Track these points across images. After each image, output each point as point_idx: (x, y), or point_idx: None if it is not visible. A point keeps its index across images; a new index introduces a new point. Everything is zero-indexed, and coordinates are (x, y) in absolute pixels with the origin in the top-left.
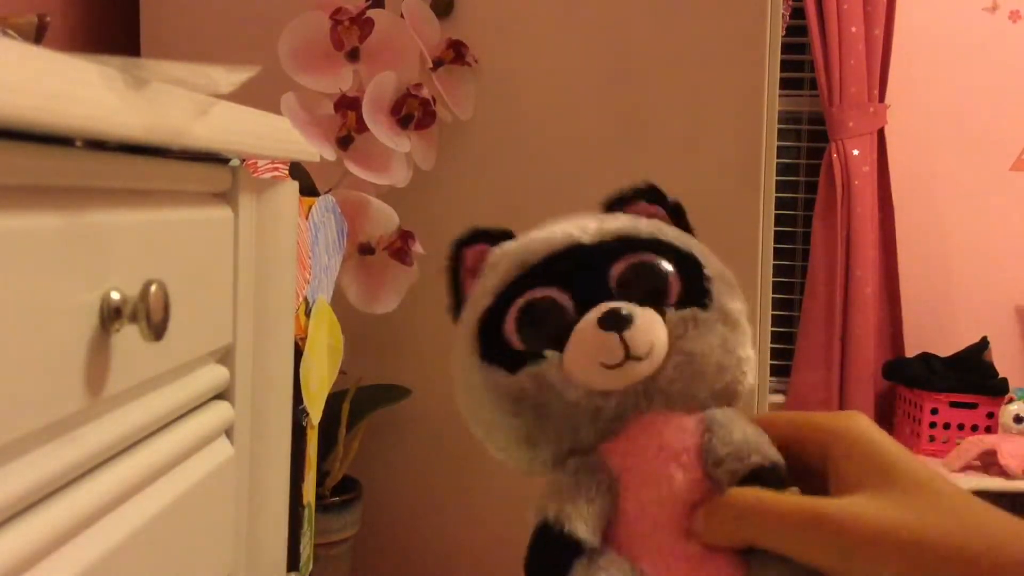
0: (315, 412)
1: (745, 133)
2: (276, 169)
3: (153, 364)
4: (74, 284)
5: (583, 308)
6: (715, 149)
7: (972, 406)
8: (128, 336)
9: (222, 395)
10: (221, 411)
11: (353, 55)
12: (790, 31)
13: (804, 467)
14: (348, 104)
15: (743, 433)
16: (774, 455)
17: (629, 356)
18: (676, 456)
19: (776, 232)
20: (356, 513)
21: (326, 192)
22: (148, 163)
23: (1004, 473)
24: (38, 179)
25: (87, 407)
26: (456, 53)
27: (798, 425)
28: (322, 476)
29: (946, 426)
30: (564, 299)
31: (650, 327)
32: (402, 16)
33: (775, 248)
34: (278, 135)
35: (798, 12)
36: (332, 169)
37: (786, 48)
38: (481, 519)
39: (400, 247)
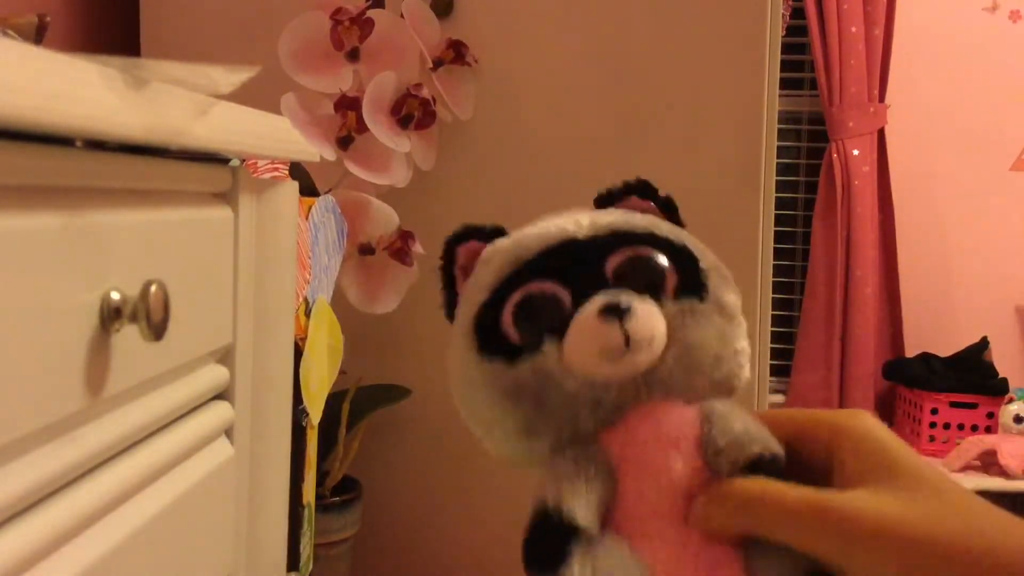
0: (315, 412)
1: (745, 133)
2: (276, 169)
3: (153, 364)
4: (74, 284)
5: (580, 300)
6: (715, 149)
7: (972, 406)
8: (128, 336)
9: (222, 395)
10: (221, 411)
11: (353, 55)
12: (790, 31)
13: (807, 464)
14: (348, 104)
15: (743, 424)
16: (774, 446)
17: (630, 346)
18: (675, 444)
19: (776, 232)
20: (356, 513)
21: (326, 192)
22: (148, 163)
23: (1004, 473)
24: (38, 179)
25: (87, 407)
26: (456, 53)
27: (803, 421)
28: (322, 476)
29: (946, 426)
30: (561, 292)
31: (650, 317)
32: (402, 16)
33: (775, 248)
34: (278, 135)
35: (798, 12)
36: (332, 169)
37: (786, 48)
38: (481, 519)
39: (400, 247)
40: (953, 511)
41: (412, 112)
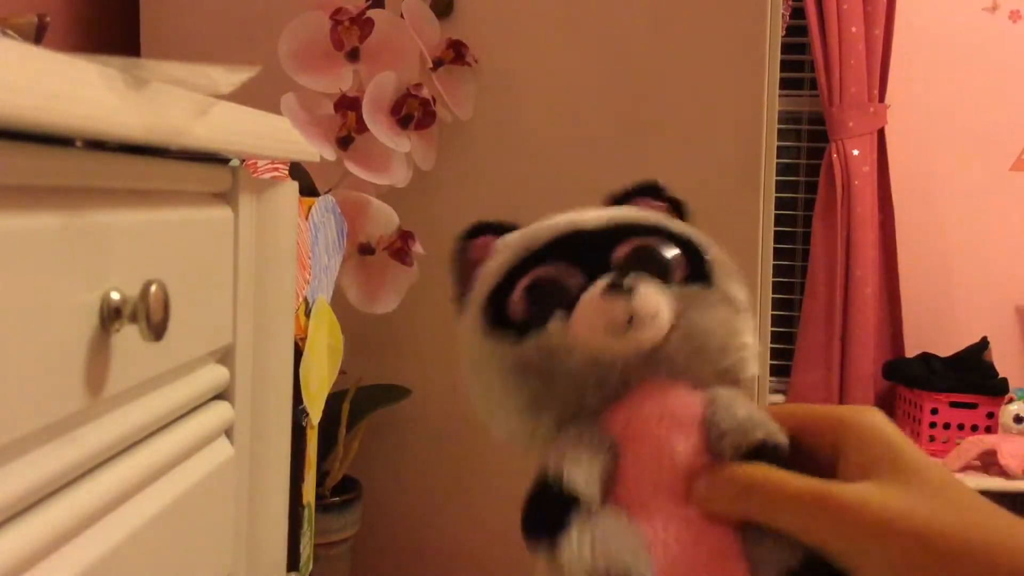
0: (315, 412)
1: (745, 133)
2: (276, 169)
3: (153, 364)
4: (74, 284)
5: (588, 283)
6: (715, 149)
7: (972, 406)
8: (128, 336)
9: (222, 395)
10: (221, 411)
11: (353, 55)
12: (790, 31)
13: (812, 458)
14: (348, 104)
15: (747, 410)
16: (777, 434)
17: (633, 322)
18: (679, 424)
19: (776, 232)
20: (356, 513)
21: (326, 192)
22: (148, 163)
23: (1004, 473)
24: (38, 179)
25: (87, 407)
26: (456, 53)
27: (809, 415)
28: (322, 476)
29: (946, 426)
30: (570, 275)
31: (654, 296)
32: (402, 16)
33: (775, 248)
34: (278, 135)
35: (798, 12)
36: (332, 169)
37: (786, 48)
38: (481, 519)
39: (400, 247)
40: (955, 508)
41: (412, 112)
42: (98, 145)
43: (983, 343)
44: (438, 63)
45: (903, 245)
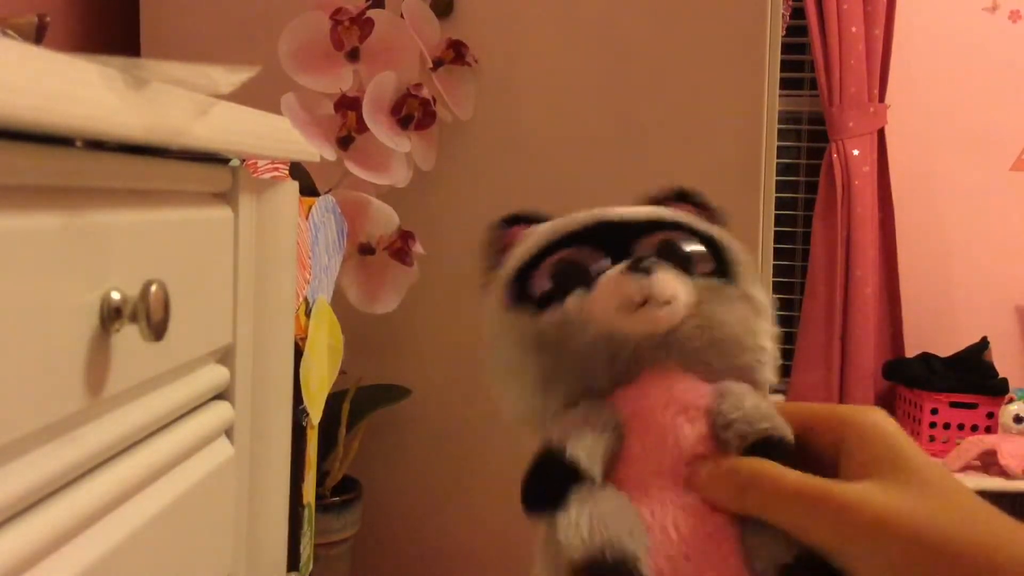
0: (315, 412)
1: (745, 133)
2: (276, 169)
3: (153, 364)
4: (74, 284)
5: (612, 267)
6: (715, 149)
7: (972, 406)
8: (128, 336)
9: (222, 395)
10: (221, 411)
11: (353, 55)
12: (790, 31)
13: (815, 456)
14: (348, 104)
15: (755, 403)
16: (784, 428)
17: (649, 302)
18: (684, 410)
19: (776, 232)
20: (356, 513)
21: (326, 192)
22: (148, 163)
23: (1004, 473)
24: (38, 179)
25: (87, 407)
26: (456, 53)
27: (812, 414)
28: (322, 476)
29: (946, 426)
30: (595, 257)
31: (672, 279)
32: (402, 16)
33: (775, 248)
34: (278, 135)
35: (798, 12)
36: (332, 169)
37: (786, 48)
38: (481, 519)
39: (400, 247)
40: (955, 509)
41: (412, 112)
42: (98, 145)
43: (983, 343)
44: (438, 63)
45: (903, 245)
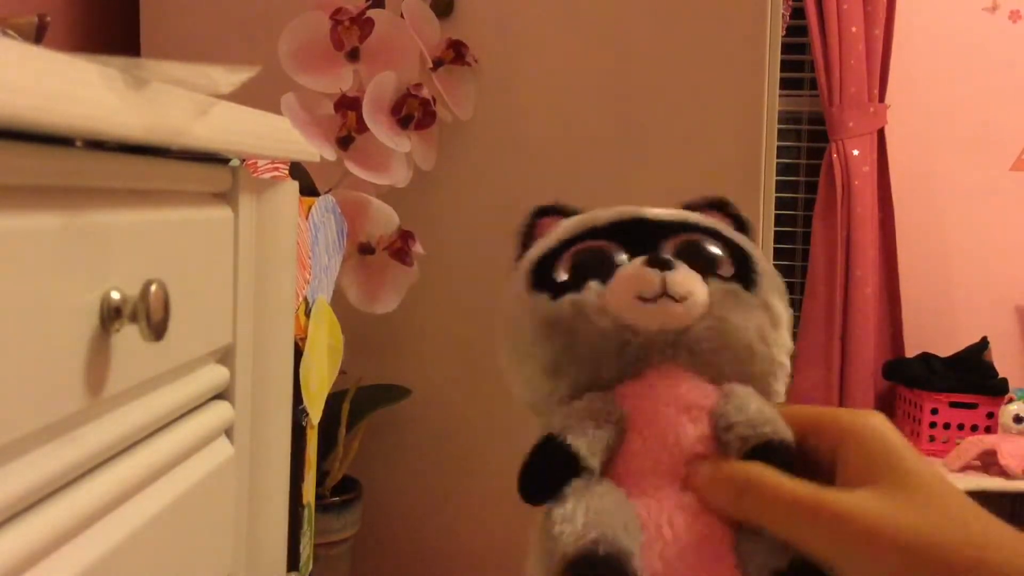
0: (315, 412)
1: (745, 133)
2: (276, 169)
3: (153, 364)
4: (74, 284)
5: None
6: (715, 149)
7: (972, 406)
8: (128, 336)
9: (222, 395)
10: (221, 411)
11: (353, 55)
12: (790, 31)
13: (814, 460)
14: (348, 104)
15: (759, 407)
16: (786, 433)
17: (665, 296)
18: (688, 410)
19: (776, 232)
20: (356, 513)
21: (326, 192)
22: (148, 163)
23: (1004, 473)
24: (38, 179)
25: (87, 407)
26: (456, 53)
27: (812, 417)
28: (322, 476)
29: (946, 426)
30: (619, 251)
31: (690, 277)
32: (402, 16)
33: (775, 248)
34: (278, 135)
35: (798, 12)
36: (332, 169)
37: (786, 48)
38: (481, 519)
39: (400, 247)
40: (951, 519)
41: (412, 112)
42: (98, 145)
43: (983, 343)
44: (438, 63)
45: (903, 245)
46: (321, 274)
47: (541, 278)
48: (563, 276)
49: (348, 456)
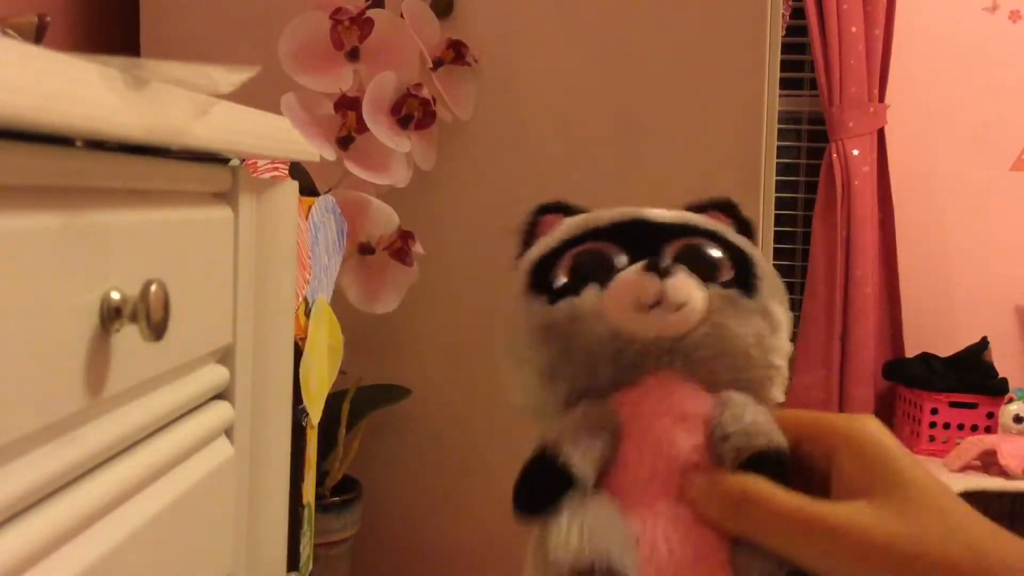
0: (315, 412)
1: (745, 133)
2: (276, 169)
3: (153, 364)
4: (74, 284)
5: (633, 263)
6: (715, 149)
7: (972, 406)
8: (128, 336)
9: (222, 395)
10: (221, 411)
11: (353, 55)
12: (790, 31)
13: (809, 466)
14: (348, 104)
15: (755, 416)
16: (781, 442)
17: (661, 304)
18: (683, 419)
19: (776, 232)
20: (356, 513)
21: (326, 192)
22: (148, 163)
23: (1004, 473)
24: (38, 179)
25: (87, 407)
26: (456, 53)
27: (807, 423)
28: (322, 476)
29: (946, 426)
30: (618, 254)
31: (688, 285)
32: (402, 16)
33: (775, 248)
34: (278, 135)
35: (798, 12)
36: (332, 169)
37: (786, 48)
38: (481, 519)
39: (400, 247)
40: (949, 528)
41: (412, 112)
42: (98, 145)
43: (983, 343)
44: (438, 63)
45: (903, 245)
46: (321, 274)
47: (539, 280)
48: (562, 279)
49: (348, 456)
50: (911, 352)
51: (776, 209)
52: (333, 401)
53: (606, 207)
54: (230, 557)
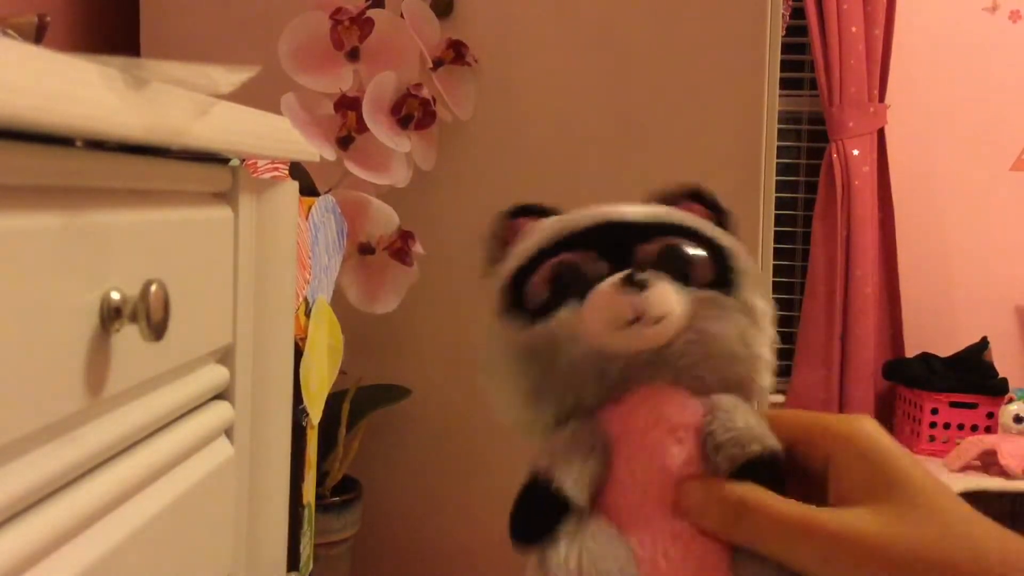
0: (315, 412)
1: (745, 133)
2: (276, 169)
3: (153, 364)
4: (74, 284)
5: (611, 274)
6: (715, 149)
7: (972, 406)
8: (128, 336)
9: (222, 395)
10: (221, 411)
11: (353, 55)
12: (790, 31)
13: (805, 467)
14: (348, 104)
15: (746, 420)
16: (774, 446)
17: (640, 320)
18: (673, 431)
19: (776, 232)
20: (356, 513)
21: (326, 192)
22: (148, 163)
23: (1004, 473)
24: (38, 179)
25: (87, 407)
26: (456, 53)
27: (804, 425)
28: (322, 476)
29: (946, 426)
30: (595, 264)
31: (666, 296)
32: (402, 16)
33: (775, 248)
34: (278, 135)
35: (798, 12)
36: (332, 169)
37: (786, 48)
38: (481, 519)
39: (400, 247)
40: (950, 531)
41: (412, 112)
42: (98, 145)
43: (983, 343)
44: (438, 63)
45: (903, 245)
46: (321, 274)
47: (515, 299)
48: (538, 297)
49: (348, 456)
50: (911, 352)
51: (776, 209)
52: (333, 401)
53: (581, 208)
54: (230, 557)
